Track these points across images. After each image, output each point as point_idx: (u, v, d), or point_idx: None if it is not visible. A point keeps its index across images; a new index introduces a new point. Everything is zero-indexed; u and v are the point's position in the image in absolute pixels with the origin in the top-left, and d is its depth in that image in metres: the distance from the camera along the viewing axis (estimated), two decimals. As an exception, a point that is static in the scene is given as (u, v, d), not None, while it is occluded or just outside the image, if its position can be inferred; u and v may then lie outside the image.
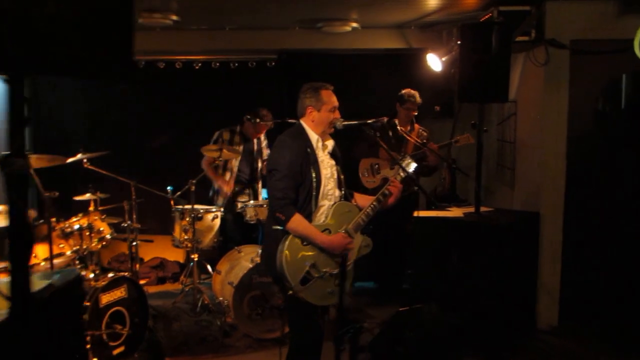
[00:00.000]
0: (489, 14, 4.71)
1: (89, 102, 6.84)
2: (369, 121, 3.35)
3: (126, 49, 1.65)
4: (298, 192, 3.12)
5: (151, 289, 5.97)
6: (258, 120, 5.47)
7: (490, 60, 4.35)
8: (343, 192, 3.33)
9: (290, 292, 3.03)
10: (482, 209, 4.74)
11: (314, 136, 3.25)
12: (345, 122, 3.29)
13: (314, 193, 3.14)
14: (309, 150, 3.18)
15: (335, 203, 3.25)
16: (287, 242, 3.07)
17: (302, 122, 3.30)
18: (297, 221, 3.06)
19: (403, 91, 5.34)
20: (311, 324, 3.16)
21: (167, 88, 6.73)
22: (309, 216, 3.14)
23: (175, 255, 6.67)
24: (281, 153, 3.17)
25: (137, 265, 5.12)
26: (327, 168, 3.26)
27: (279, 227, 3.12)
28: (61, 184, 6.35)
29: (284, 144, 3.21)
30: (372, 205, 3.25)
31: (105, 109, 6.85)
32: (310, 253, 3.11)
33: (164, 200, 5.51)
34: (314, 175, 3.14)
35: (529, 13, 4.76)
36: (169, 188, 6.25)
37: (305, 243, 3.10)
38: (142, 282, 6.04)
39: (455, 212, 4.82)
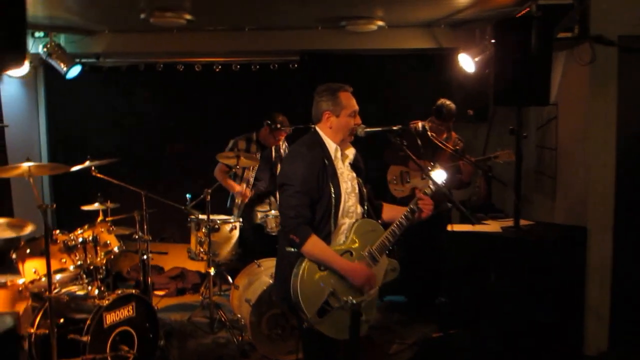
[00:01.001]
0: (527, 8, 4.35)
1: (106, 107, 6.71)
2: (395, 127, 2.98)
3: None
4: (314, 210, 2.78)
5: (170, 301, 5.77)
6: (279, 126, 5.15)
7: (530, 60, 3.97)
8: (366, 208, 2.98)
9: (306, 324, 2.68)
10: (522, 222, 4.34)
11: (332, 145, 2.90)
12: (368, 129, 2.94)
13: (333, 210, 2.80)
14: (326, 161, 2.83)
15: (356, 221, 2.90)
16: (302, 267, 2.73)
17: (319, 129, 2.95)
18: (313, 244, 2.71)
19: (438, 102, 4.99)
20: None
21: (186, 92, 6.57)
22: (327, 237, 2.80)
23: (197, 265, 6.42)
24: (294, 165, 2.82)
25: (150, 279, 4.83)
26: (348, 181, 2.91)
27: (292, 249, 2.79)
28: (70, 193, 6.43)
29: (297, 155, 2.86)
30: (398, 223, 2.89)
31: (122, 113, 6.71)
32: (328, 280, 2.76)
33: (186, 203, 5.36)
34: (332, 190, 2.79)
35: (571, 7, 4.37)
36: (187, 196, 6.06)
37: (323, 268, 2.76)
38: (160, 293, 5.93)
39: (492, 226, 4.43)
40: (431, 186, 2.98)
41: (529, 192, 5.80)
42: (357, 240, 2.86)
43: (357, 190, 2.94)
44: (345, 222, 2.88)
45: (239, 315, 4.62)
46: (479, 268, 4.24)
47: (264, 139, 5.34)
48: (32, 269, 3.74)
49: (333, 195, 2.79)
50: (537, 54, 3.97)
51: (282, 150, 5.53)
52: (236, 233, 5.06)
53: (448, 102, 4.99)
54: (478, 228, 4.40)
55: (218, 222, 4.93)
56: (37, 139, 6.47)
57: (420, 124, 5.04)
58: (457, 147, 5.02)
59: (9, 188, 5.56)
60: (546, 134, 5.37)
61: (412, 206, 2.93)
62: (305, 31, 5.90)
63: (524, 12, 4.37)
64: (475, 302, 4.25)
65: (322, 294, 2.72)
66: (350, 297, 2.76)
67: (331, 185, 2.79)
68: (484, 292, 4.20)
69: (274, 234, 5.00)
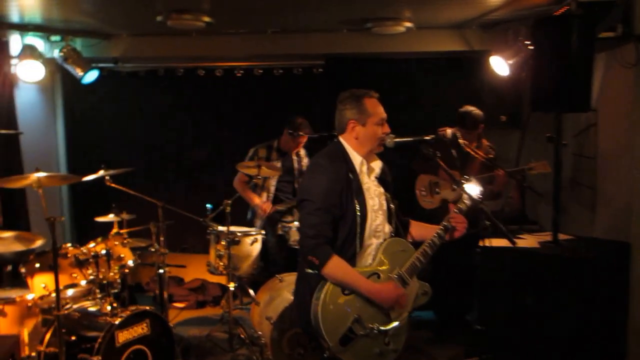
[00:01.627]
0: (566, 7, 4.05)
1: (124, 113, 6.61)
2: (427, 137, 2.74)
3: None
4: (337, 229, 2.55)
5: (190, 314, 5.62)
6: (300, 133, 4.93)
7: (570, 62, 3.71)
8: (394, 226, 2.73)
9: (327, 353, 2.44)
10: (560, 236, 4.06)
11: (357, 158, 2.67)
12: (398, 139, 2.71)
13: (359, 230, 2.56)
14: (350, 175, 2.60)
15: (384, 241, 2.66)
16: (323, 291, 2.50)
17: (343, 140, 2.72)
18: (335, 266, 2.49)
19: (461, 110, 4.70)
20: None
21: (206, 97, 6.45)
22: (352, 258, 2.56)
23: (218, 277, 6.24)
24: (315, 180, 2.59)
25: (169, 291, 4.65)
26: (375, 197, 2.68)
27: (312, 271, 2.56)
28: (88, 203, 6.32)
29: (318, 168, 2.63)
30: (430, 242, 2.65)
31: (141, 120, 6.62)
32: (353, 304, 2.52)
33: (205, 215, 5.19)
34: (357, 207, 2.56)
35: (614, 4, 4.08)
36: (208, 206, 5.89)
37: (346, 292, 2.52)
38: (180, 305, 5.79)
39: (529, 241, 4.15)
40: (466, 201, 2.73)
41: (565, 202, 5.50)
42: (385, 261, 2.63)
43: (385, 207, 2.72)
44: (373, 243, 2.65)
45: (260, 333, 4.42)
46: (514, 285, 3.99)
47: (285, 145, 5.16)
48: (41, 284, 3.57)
49: (358, 214, 2.56)
50: (578, 56, 3.70)
51: (303, 162, 5.32)
52: (257, 246, 4.86)
53: (472, 109, 4.72)
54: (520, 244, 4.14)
55: (238, 234, 4.73)
56: (55, 146, 6.36)
57: (449, 131, 4.81)
58: (490, 156, 4.74)
59: (25, 198, 5.44)
60: (584, 141, 5.06)
61: (445, 223, 2.70)
62: (329, 34, 5.72)
63: (562, 10, 4.07)
64: (510, 322, 4.00)
65: (345, 320, 2.50)
66: (377, 324, 2.53)
67: (356, 202, 2.56)
68: (519, 312, 3.95)
69: (296, 247, 4.79)
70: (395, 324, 2.60)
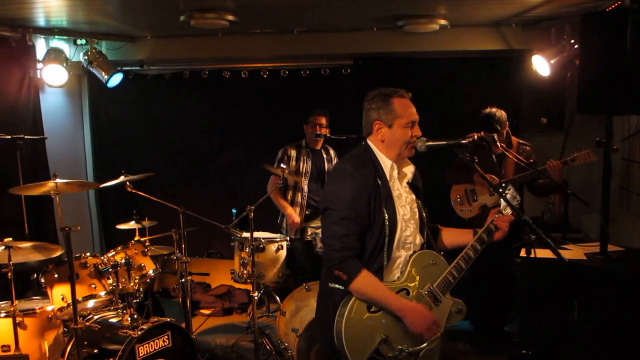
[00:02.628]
0: (618, 1, 3.76)
1: (150, 116, 6.51)
2: (463, 141, 2.49)
3: None
4: (364, 240, 2.33)
5: (216, 321, 5.47)
6: (314, 118, 4.90)
7: (624, 60, 3.38)
8: (425, 237, 2.51)
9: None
10: (609, 247, 3.76)
11: (386, 162, 2.43)
12: (430, 142, 2.46)
13: (387, 241, 2.33)
14: (379, 181, 2.37)
15: (414, 253, 2.43)
16: (348, 307, 2.28)
17: (370, 142, 2.49)
18: (364, 281, 2.27)
19: (484, 112, 4.44)
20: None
21: (232, 99, 6.30)
22: (378, 272, 2.34)
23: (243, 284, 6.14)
24: (339, 186, 2.36)
25: (195, 297, 4.50)
26: (406, 205, 2.45)
27: (338, 286, 2.35)
28: (115, 210, 6.24)
29: (343, 174, 2.40)
30: (465, 256, 2.45)
31: (167, 122, 6.50)
32: (380, 323, 2.30)
33: (231, 219, 5.04)
34: (386, 216, 2.33)
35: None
36: (233, 211, 5.75)
37: (373, 309, 2.30)
38: (206, 312, 5.65)
39: (574, 252, 3.86)
40: (509, 211, 2.52)
41: (614, 211, 5.17)
42: (415, 277, 2.40)
43: (416, 216, 2.48)
44: (402, 255, 2.42)
45: (286, 344, 4.23)
46: (558, 300, 3.71)
47: (310, 139, 5.03)
48: (59, 295, 3.45)
49: (387, 223, 2.33)
50: (632, 53, 3.37)
51: (332, 161, 5.15)
52: (283, 253, 4.66)
53: (495, 110, 4.43)
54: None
55: (263, 241, 4.54)
56: (82, 151, 6.31)
57: (476, 137, 4.55)
58: (526, 152, 4.46)
59: (51, 206, 5.36)
60: (634, 145, 4.74)
61: (490, 226, 2.52)
62: (359, 33, 5.53)
63: (614, 5, 3.78)
64: (554, 339, 3.73)
65: (372, 341, 2.28)
66: (406, 345, 2.30)
67: (385, 211, 2.33)
68: (564, 328, 3.66)
69: (322, 254, 4.61)
70: (427, 345, 2.37)
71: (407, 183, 2.51)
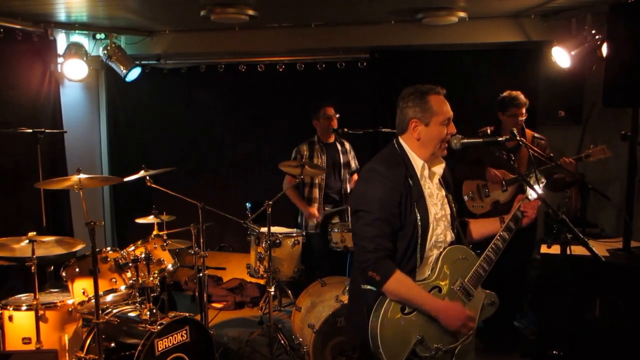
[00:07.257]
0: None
1: (166, 110, 6.51)
2: (500, 138, 2.48)
3: None
4: (395, 241, 2.30)
5: (228, 315, 5.49)
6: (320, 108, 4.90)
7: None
8: (455, 232, 2.48)
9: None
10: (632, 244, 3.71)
11: (418, 162, 2.40)
12: (465, 140, 2.42)
13: (420, 241, 2.31)
14: (410, 181, 2.34)
15: (444, 249, 2.40)
16: (382, 310, 2.25)
17: (403, 141, 2.44)
18: (397, 281, 2.24)
19: (502, 95, 4.39)
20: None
21: (248, 93, 6.28)
22: (411, 272, 2.31)
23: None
24: (371, 187, 2.32)
25: (208, 290, 4.52)
26: (438, 203, 2.41)
27: (370, 287, 2.32)
28: (130, 204, 6.23)
29: (374, 175, 2.35)
30: (493, 247, 2.43)
31: (183, 117, 6.50)
32: (415, 324, 2.28)
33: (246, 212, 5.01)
34: (418, 216, 2.30)
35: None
36: (247, 205, 5.73)
37: (407, 310, 2.27)
38: (218, 305, 5.67)
39: (595, 248, 3.78)
40: (534, 195, 2.54)
41: (635, 206, 5.10)
42: (446, 272, 2.37)
43: (448, 213, 2.45)
44: (434, 254, 2.39)
45: (301, 339, 4.23)
46: (578, 297, 3.66)
47: (321, 132, 5.00)
48: (80, 289, 3.46)
49: (419, 223, 2.30)
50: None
51: (350, 156, 5.12)
52: (299, 248, 4.65)
53: (515, 93, 4.35)
54: (579, 251, 3.79)
55: (280, 236, 4.53)
56: (98, 145, 6.34)
57: (489, 131, 4.49)
58: (541, 146, 4.38)
59: (68, 200, 5.40)
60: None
61: (517, 213, 2.51)
62: (376, 26, 5.48)
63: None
64: (573, 338, 3.65)
65: (407, 342, 2.26)
66: (442, 344, 2.29)
67: (417, 211, 2.30)
68: (584, 327, 3.63)
69: (339, 249, 4.59)
70: (462, 342, 2.36)
71: (439, 179, 2.49)
